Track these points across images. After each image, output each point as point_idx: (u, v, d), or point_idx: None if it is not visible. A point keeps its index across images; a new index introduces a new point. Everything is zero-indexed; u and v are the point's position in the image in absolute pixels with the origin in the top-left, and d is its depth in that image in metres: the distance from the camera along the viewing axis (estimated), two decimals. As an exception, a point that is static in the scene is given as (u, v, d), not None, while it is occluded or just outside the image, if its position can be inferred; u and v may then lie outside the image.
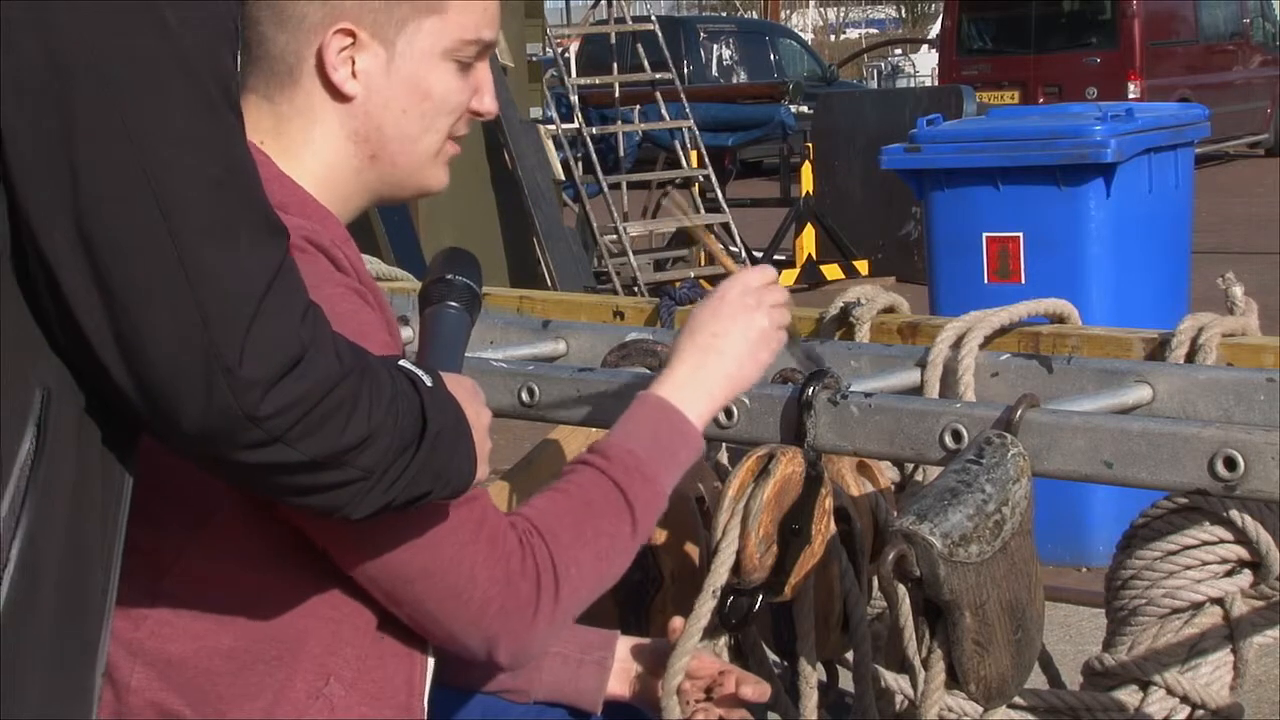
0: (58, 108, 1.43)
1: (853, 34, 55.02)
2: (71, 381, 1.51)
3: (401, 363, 1.73)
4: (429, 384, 1.73)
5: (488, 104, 2.07)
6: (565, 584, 1.99)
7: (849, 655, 2.65)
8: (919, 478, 2.75)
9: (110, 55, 1.44)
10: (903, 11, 56.95)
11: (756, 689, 2.34)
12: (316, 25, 1.96)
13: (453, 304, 2.12)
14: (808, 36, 43.48)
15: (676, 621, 2.35)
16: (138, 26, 1.46)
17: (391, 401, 1.64)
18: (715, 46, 23.62)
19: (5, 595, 1.48)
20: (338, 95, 1.98)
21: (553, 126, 12.22)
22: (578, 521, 2.03)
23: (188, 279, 1.46)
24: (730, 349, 2.20)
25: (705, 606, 2.32)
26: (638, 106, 13.78)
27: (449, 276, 2.13)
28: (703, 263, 12.59)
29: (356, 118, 2.00)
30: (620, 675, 2.37)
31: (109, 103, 1.44)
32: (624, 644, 2.39)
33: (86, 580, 1.57)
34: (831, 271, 12.71)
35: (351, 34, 1.96)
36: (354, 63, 1.98)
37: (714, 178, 12.99)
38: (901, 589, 2.21)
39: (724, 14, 41.63)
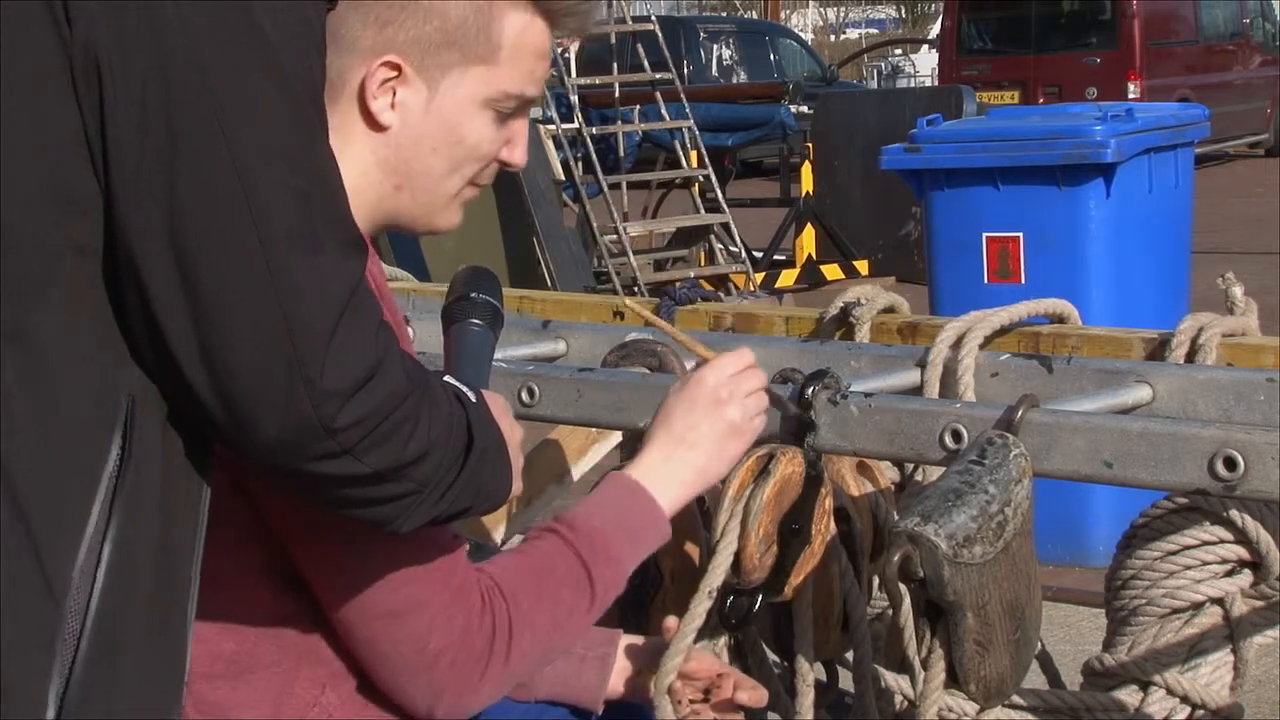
0: (163, 118, 1.44)
1: (853, 34, 54.97)
2: (155, 391, 1.52)
3: (447, 378, 1.75)
4: (473, 401, 1.74)
5: (518, 156, 2.08)
6: (517, 648, 1.99)
7: (849, 655, 2.65)
8: (919, 478, 2.75)
9: (210, 65, 1.45)
10: (903, 11, 56.91)
11: (753, 694, 2.34)
12: (366, 52, 1.96)
13: (476, 321, 2.15)
14: (808, 36, 43.47)
15: (671, 621, 2.35)
16: (237, 37, 1.47)
17: (448, 417, 1.66)
18: (715, 46, 23.59)
19: (98, 598, 1.49)
20: (373, 124, 1.99)
21: (553, 126, 12.19)
22: (539, 587, 2.04)
23: (275, 289, 1.47)
24: (701, 443, 2.20)
25: (701, 606, 2.32)
26: (638, 106, 13.76)
27: (472, 295, 2.16)
28: (703, 263, 12.59)
29: (388, 148, 2.00)
30: (617, 672, 2.37)
31: (209, 113, 1.45)
32: (620, 642, 2.39)
33: (175, 587, 1.58)
34: (831, 271, 12.70)
35: (398, 67, 1.97)
36: (395, 94, 1.98)
37: (714, 178, 12.96)
38: (903, 589, 2.20)
39: (724, 14, 41.59)
